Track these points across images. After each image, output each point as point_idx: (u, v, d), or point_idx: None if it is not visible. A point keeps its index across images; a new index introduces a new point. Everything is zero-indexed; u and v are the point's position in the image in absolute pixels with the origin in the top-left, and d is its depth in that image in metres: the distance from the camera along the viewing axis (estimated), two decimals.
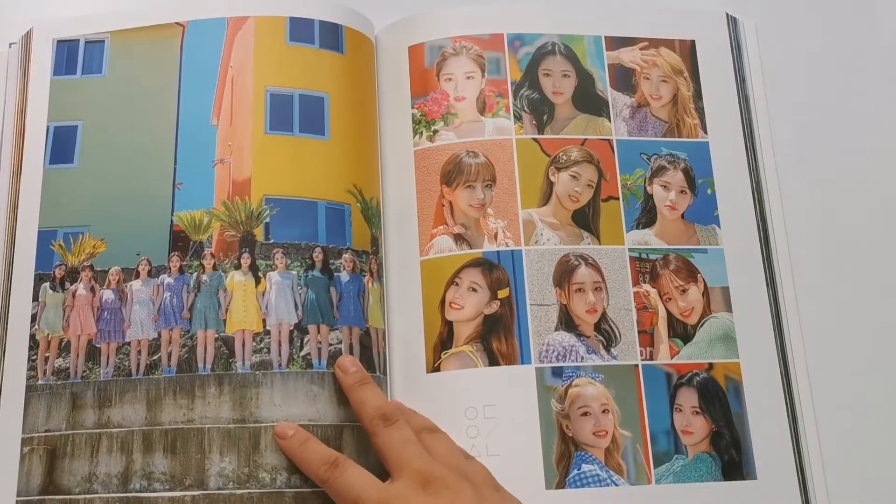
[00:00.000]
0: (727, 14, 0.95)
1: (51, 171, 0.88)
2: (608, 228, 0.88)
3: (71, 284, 0.85)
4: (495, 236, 0.86)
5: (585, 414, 0.82)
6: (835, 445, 0.84)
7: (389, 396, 0.84)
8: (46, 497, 0.80)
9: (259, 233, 0.85)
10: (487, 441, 0.81)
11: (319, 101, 0.88)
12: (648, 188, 0.89)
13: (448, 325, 0.84)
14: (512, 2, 0.96)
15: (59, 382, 0.83)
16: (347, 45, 0.90)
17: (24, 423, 0.82)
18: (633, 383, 0.84)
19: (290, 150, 0.87)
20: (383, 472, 0.76)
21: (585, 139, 0.90)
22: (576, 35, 0.93)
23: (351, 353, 0.83)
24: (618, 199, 0.89)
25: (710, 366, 0.85)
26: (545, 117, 0.90)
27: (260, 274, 0.85)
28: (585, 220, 0.88)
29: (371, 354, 0.83)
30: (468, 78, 0.91)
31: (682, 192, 0.89)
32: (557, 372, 0.83)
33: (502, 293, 0.85)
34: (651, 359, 0.85)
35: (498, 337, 0.84)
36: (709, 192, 0.90)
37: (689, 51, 0.94)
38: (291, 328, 0.83)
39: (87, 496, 0.79)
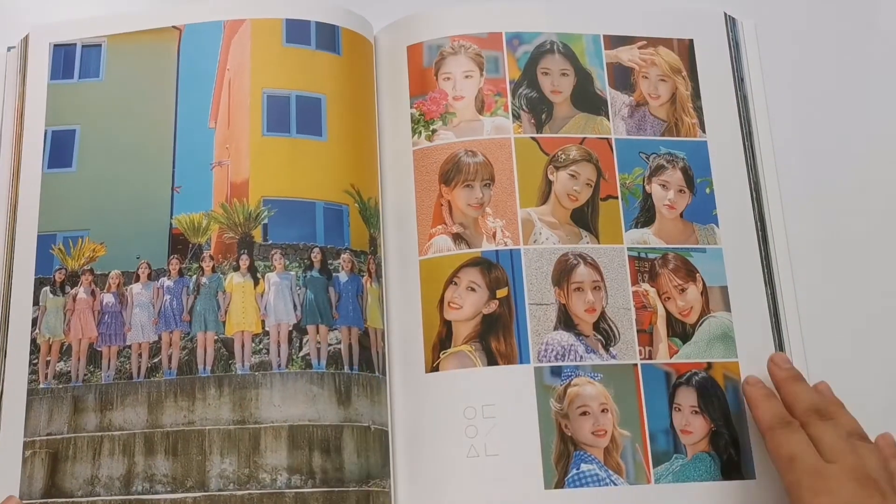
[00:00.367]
0: (725, 14, 0.95)
1: (49, 176, 0.88)
2: (607, 227, 0.88)
3: (71, 288, 0.86)
4: (494, 235, 0.86)
5: (584, 413, 0.82)
6: None
7: (388, 396, 0.84)
8: (49, 500, 0.80)
9: (257, 234, 0.86)
10: (486, 441, 0.81)
11: (316, 102, 0.89)
12: (647, 187, 0.89)
13: (447, 325, 0.84)
14: (510, 1, 0.95)
15: (60, 386, 0.83)
16: (344, 45, 0.90)
17: (26, 427, 0.82)
18: (632, 383, 0.83)
19: (287, 152, 0.87)
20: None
21: (584, 138, 0.90)
22: (574, 34, 0.93)
23: (350, 353, 0.83)
24: (616, 198, 0.88)
25: (709, 365, 0.85)
26: (544, 116, 0.90)
27: (258, 275, 0.85)
28: (584, 219, 0.88)
29: (370, 354, 0.84)
30: (466, 77, 0.91)
31: (680, 191, 0.89)
32: (556, 371, 0.83)
33: (501, 292, 0.85)
34: (650, 358, 0.84)
35: (497, 336, 0.84)
36: (707, 191, 0.90)
37: (687, 50, 0.93)
38: (290, 329, 0.83)
39: (90, 499, 0.80)
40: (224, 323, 0.84)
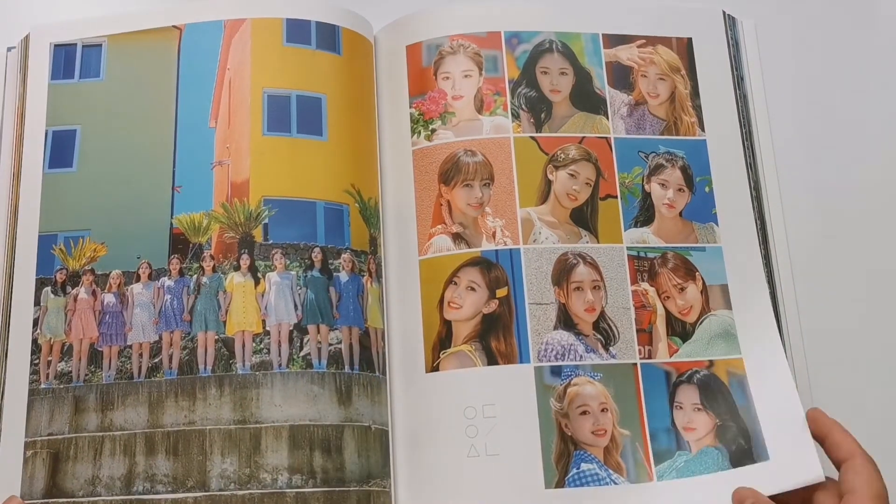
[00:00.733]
0: (724, 12, 0.95)
1: (50, 176, 0.88)
2: (606, 227, 0.88)
3: (72, 288, 0.86)
4: (493, 235, 0.86)
5: (584, 413, 0.82)
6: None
7: (389, 396, 0.84)
8: (50, 500, 0.80)
9: (258, 234, 0.86)
10: (486, 441, 0.81)
11: (317, 101, 0.89)
12: (646, 186, 0.89)
13: (447, 325, 0.84)
14: (509, 0, 0.95)
15: (61, 386, 0.83)
16: (344, 45, 0.90)
17: (27, 427, 0.82)
18: (632, 382, 0.83)
19: (287, 151, 0.87)
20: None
21: (583, 137, 0.90)
22: (573, 33, 0.93)
23: (350, 352, 0.83)
24: (616, 197, 0.88)
25: (711, 363, 0.84)
26: (543, 115, 0.90)
27: (259, 275, 0.85)
28: (584, 218, 0.88)
29: (370, 354, 0.84)
30: (465, 76, 0.91)
31: (679, 189, 0.89)
32: (556, 371, 0.83)
33: (500, 292, 0.85)
34: (649, 357, 0.84)
35: (496, 336, 0.84)
36: (707, 189, 0.90)
37: (685, 49, 0.93)
38: (291, 328, 0.83)
39: (91, 499, 0.80)
40: (225, 323, 0.84)
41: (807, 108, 0.95)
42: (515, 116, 0.90)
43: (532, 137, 0.89)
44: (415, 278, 0.86)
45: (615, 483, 0.81)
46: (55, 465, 0.81)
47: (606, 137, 0.90)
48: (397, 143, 0.90)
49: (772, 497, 0.77)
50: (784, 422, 0.81)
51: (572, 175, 0.88)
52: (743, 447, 0.82)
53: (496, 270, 0.85)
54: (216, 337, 0.84)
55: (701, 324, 0.86)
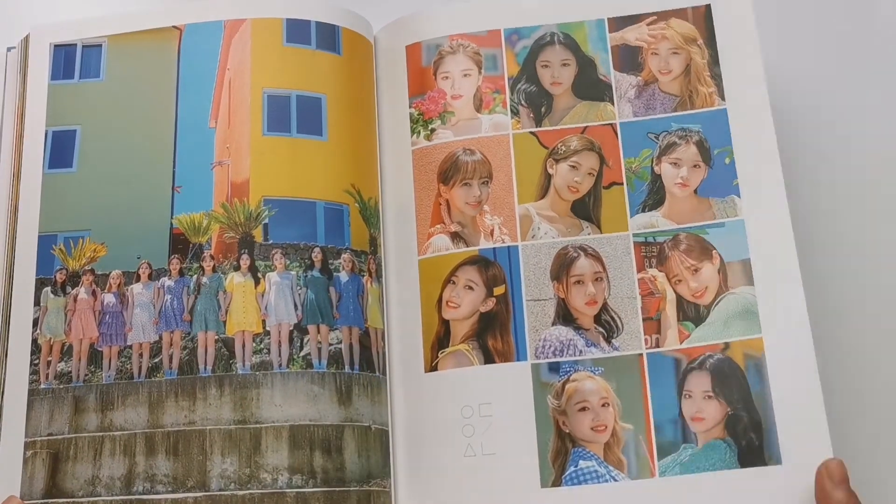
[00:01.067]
0: None
1: (50, 176, 0.88)
2: (610, 216, 0.86)
3: (72, 289, 0.86)
4: (491, 233, 0.86)
5: (583, 409, 0.81)
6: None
7: (389, 396, 0.84)
8: (50, 501, 0.80)
9: (258, 234, 0.86)
10: (483, 440, 0.80)
11: (317, 101, 0.89)
12: (656, 168, 0.87)
13: (445, 324, 0.84)
14: None
15: (61, 386, 0.83)
16: (344, 45, 0.90)
17: (27, 427, 0.82)
18: (637, 374, 0.82)
19: (287, 151, 0.87)
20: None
21: (586, 126, 0.89)
22: (575, 22, 0.91)
23: (350, 352, 0.83)
24: (621, 184, 0.87)
25: (726, 345, 0.82)
26: (543, 109, 0.89)
27: (259, 275, 0.85)
28: (585, 209, 0.87)
29: (370, 354, 0.83)
30: (465, 75, 0.90)
31: (695, 166, 0.87)
32: (554, 367, 0.82)
33: (498, 290, 0.84)
34: (657, 346, 0.83)
35: (493, 334, 0.83)
36: (727, 161, 0.86)
37: (703, 17, 0.91)
38: (291, 328, 0.83)
39: (91, 499, 0.80)
40: (225, 323, 0.84)
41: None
42: (514, 113, 0.89)
43: (532, 132, 0.88)
44: (414, 278, 0.86)
45: (615, 480, 0.79)
46: (55, 466, 0.81)
47: (612, 124, 0.88)
48: (397, 142, 0.90)
49: None
50: (801, 407, 0.79)
51: (574, 167, 0.87)
52: (754, 443, 0.79)
53: (493, 268, 0.85)
54: (216, 337, 0.84)
55: (717, 304, 0.83)
